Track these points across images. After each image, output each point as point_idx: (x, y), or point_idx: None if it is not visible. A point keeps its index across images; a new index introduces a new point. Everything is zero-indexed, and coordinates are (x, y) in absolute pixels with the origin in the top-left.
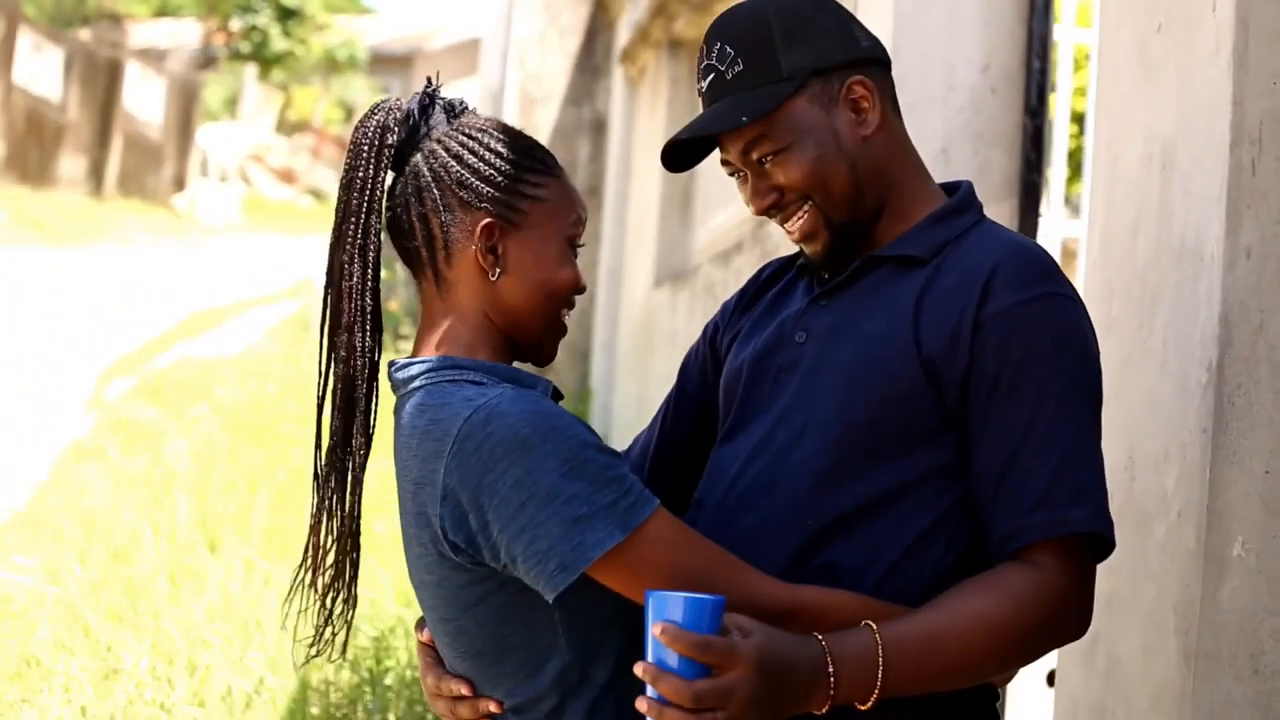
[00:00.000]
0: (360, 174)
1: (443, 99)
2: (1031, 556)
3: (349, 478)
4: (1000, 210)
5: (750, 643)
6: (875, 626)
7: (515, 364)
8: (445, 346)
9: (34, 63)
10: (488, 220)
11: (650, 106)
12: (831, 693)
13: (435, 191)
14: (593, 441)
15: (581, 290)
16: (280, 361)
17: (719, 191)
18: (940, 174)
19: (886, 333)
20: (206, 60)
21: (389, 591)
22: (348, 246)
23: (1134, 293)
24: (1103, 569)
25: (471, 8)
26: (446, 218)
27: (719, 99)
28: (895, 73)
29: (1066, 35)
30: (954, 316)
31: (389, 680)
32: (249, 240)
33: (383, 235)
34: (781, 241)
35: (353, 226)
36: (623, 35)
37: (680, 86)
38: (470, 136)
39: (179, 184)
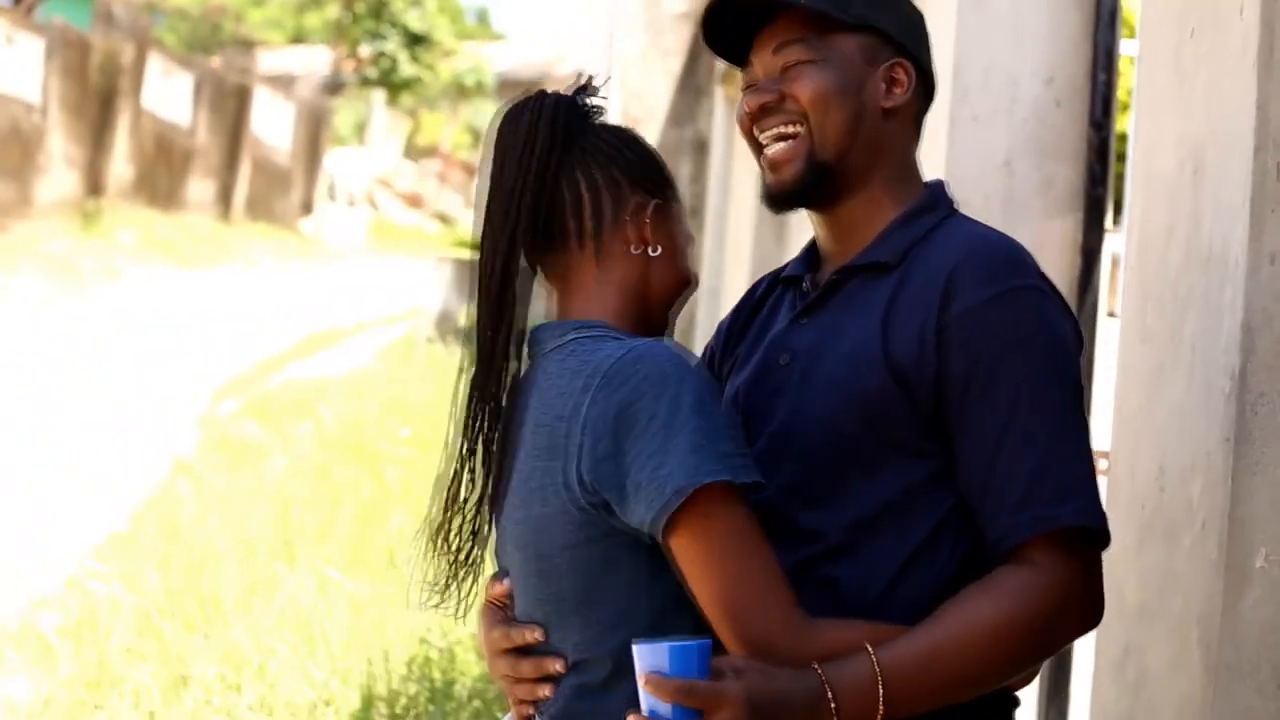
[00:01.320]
0: (526, 158)
1: (587, 91)
2: (1025, 555)
3: (486, 447)
4: (1065, 224)
5: (739, 683)
6: (872, 650)
7: None
8: (596, 312)
9: (164, 88)
10: (657, 201)
11: None
12: None
13: (589, 165)
14: (721, 399)
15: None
16: (384, 381)
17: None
18: (1004, 187)
19: (858, 345)
20: (335, 86)
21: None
22: (507, 226)
23: (1166, 301)
24: (1133, 580)
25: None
26: (599, 189)
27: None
28: (959, 85)
29: (1133, 48)
30: (919, 321)
31: (457, 692)
32: (373, 263)
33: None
34: None
35: (516, 208)
36: None
37: None
38: (614, 127)
39: (306, 208)
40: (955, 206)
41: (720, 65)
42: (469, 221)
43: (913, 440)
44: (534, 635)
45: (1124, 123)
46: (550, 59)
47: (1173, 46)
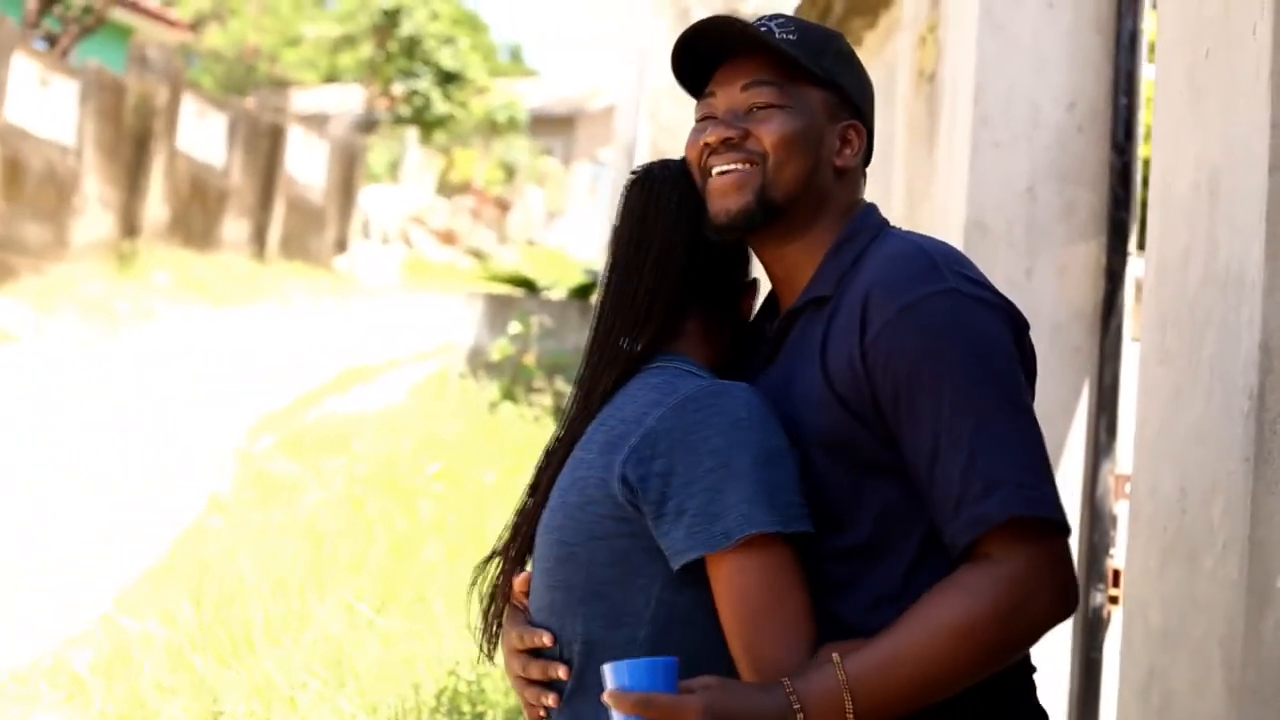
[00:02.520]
0: (661, 221)
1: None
2: (978, 552)
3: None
4: (1089, 249)
5: (698, 697)
6: (837, 658)
7: None
8: (698, 356)
9: (198, 129)
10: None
11: None
12: None
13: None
14: (791, 453)
15: None
16: (417, 417)
17: None
18: (1025, 213)
19: (808, 384)
20: (368, 124)
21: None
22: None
23: (1184, 322)
24: (1156, 603)
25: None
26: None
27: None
28: (979, 112)
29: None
30: (847, 349)
31: None
32: (406, 300)
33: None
34: None
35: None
36: None
37: None
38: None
39: (341, 246)
40: (883, 225)
41: None
42: (501, 257)
43: (881, 460)
44: (543, 640)
45: (1148, 148)
46: (583, 95)
47: (1187, 68)
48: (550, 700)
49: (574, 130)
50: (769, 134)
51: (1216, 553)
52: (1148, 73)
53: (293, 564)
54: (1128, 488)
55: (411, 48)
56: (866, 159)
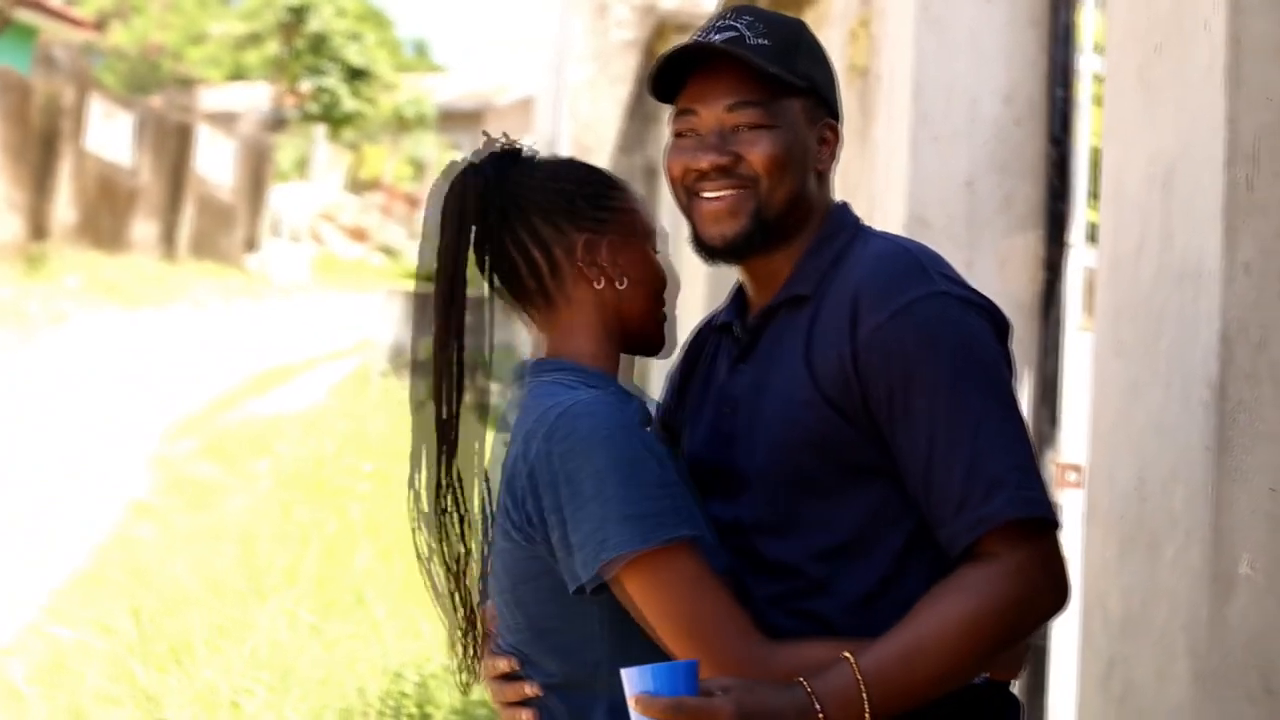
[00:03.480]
0: (448, 238)
1: (511, 146)
2: (980, 551)
3: (449, 517)
4: (1027, 240)
5: (728, 698)
6: (851, 657)
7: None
8: (573, 351)
9: (105, 129)
10: (586, 237)
11: None
12: None
13: (528, 225)
14: (658, 456)
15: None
16: (340, 417)
17: None
18: (965, 206)
19: (790, 383)
20: (276, 122)
21: (431, 641)
22: (445, 305)
23: (1140, 315)
24: (1115, 593)
25: (539, 63)
26: (545, 245)
27: (732, 51)
28: (919, 108)
29: (1088, 63)
30: (835, 348)
31: None
32: (320, 299)
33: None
34: None
35: (449, 286)
36: None
37: None
38: (542, 170)
39: (251, 245)
40: (859, 225)
41: None
42: (413, 253)
43: (868, 460)
44: (508, 664)
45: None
46: (491, 89)
47: (1138, 64)
48: (526, 716)
49: (483, 125)
50: (760, 157)
51: (1178, 541)
52: (1084, 66)
53: (228, 570)
54: (1071, 476)
55: (318, 45)
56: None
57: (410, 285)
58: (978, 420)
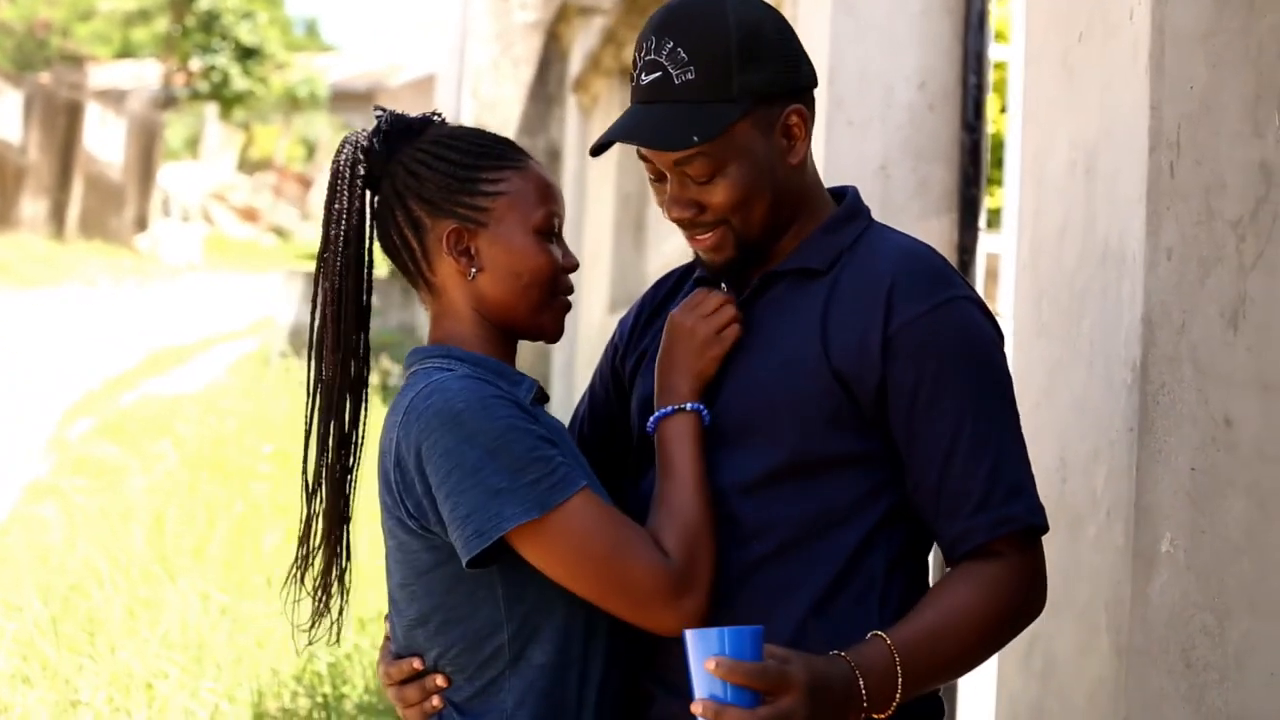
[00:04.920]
0: (336, 206)
1: (407, 118)
2: (991, 551)
3: (332, 484)
4: (941, 224)
5: (798, 666)
6: (885, 635)
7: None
8: (449, 336)
9: None
10: (453, 226)
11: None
12: (865, 705)
13: (404, 208)
14: (522, 425)
15: (570, 269)
16: (240, 397)
17: None
18: (880, 191)
19: (797, 350)
20: (167, 100)
21: (346, 620)
22: (331, 276)
23: (1062, 297)
24: None
25: (432, 43)
26: (418, 230)
27: (660, 102)
28: (834, 93)
29: (996, 52)
30: (859, 331)
31: (347, 707)
32: (212, 279)
33: (373, 260)
34: None
35: (332, 256)
36: (575, 64)
37: None
38: (427, 150)
39: (141, 224)
40: (870, 213)
41: (572, 72)
42: (304, 234)
43: (851, 441)
44: (413, 666)
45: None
46: (383, 69)
47: (1061, 50)
48: (435, 703)
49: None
50: (721, 203)
51: (1100, 520)
52: (996, 53)
53: (135, 551)
54: None
55: (209, 22)
56: (813, 110)
57: (309, 266)
58: (1002, 426)
